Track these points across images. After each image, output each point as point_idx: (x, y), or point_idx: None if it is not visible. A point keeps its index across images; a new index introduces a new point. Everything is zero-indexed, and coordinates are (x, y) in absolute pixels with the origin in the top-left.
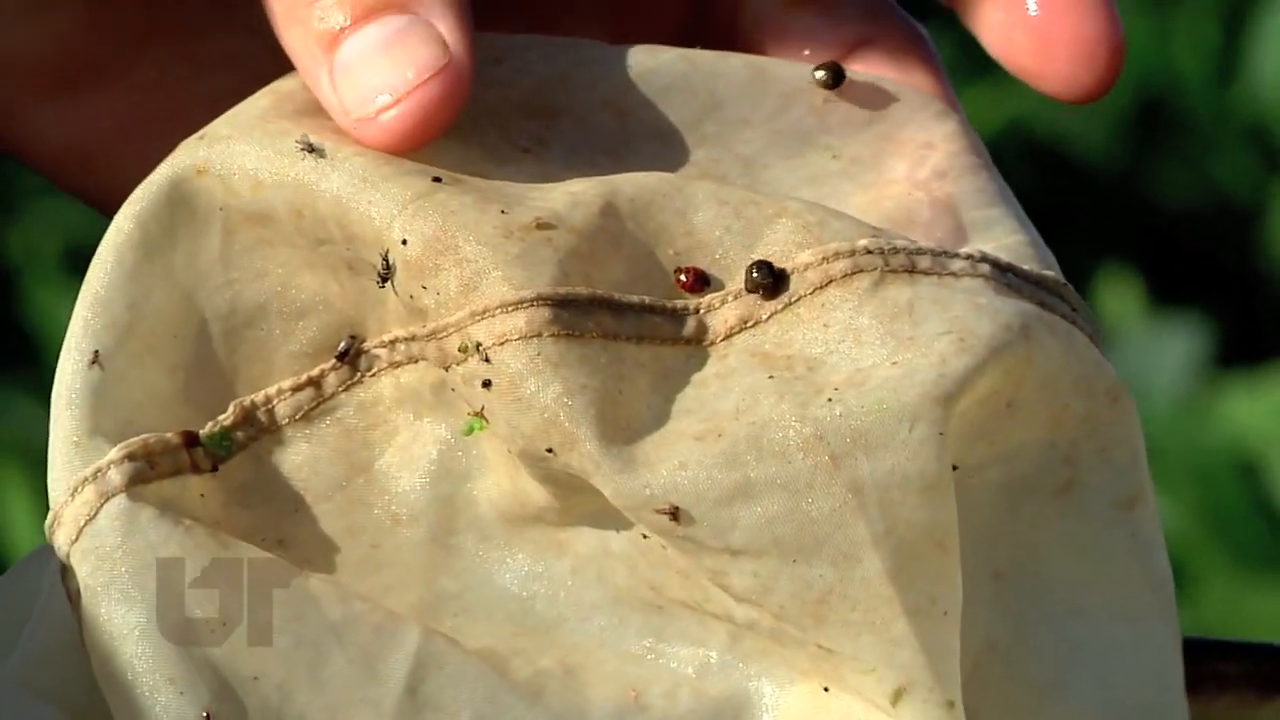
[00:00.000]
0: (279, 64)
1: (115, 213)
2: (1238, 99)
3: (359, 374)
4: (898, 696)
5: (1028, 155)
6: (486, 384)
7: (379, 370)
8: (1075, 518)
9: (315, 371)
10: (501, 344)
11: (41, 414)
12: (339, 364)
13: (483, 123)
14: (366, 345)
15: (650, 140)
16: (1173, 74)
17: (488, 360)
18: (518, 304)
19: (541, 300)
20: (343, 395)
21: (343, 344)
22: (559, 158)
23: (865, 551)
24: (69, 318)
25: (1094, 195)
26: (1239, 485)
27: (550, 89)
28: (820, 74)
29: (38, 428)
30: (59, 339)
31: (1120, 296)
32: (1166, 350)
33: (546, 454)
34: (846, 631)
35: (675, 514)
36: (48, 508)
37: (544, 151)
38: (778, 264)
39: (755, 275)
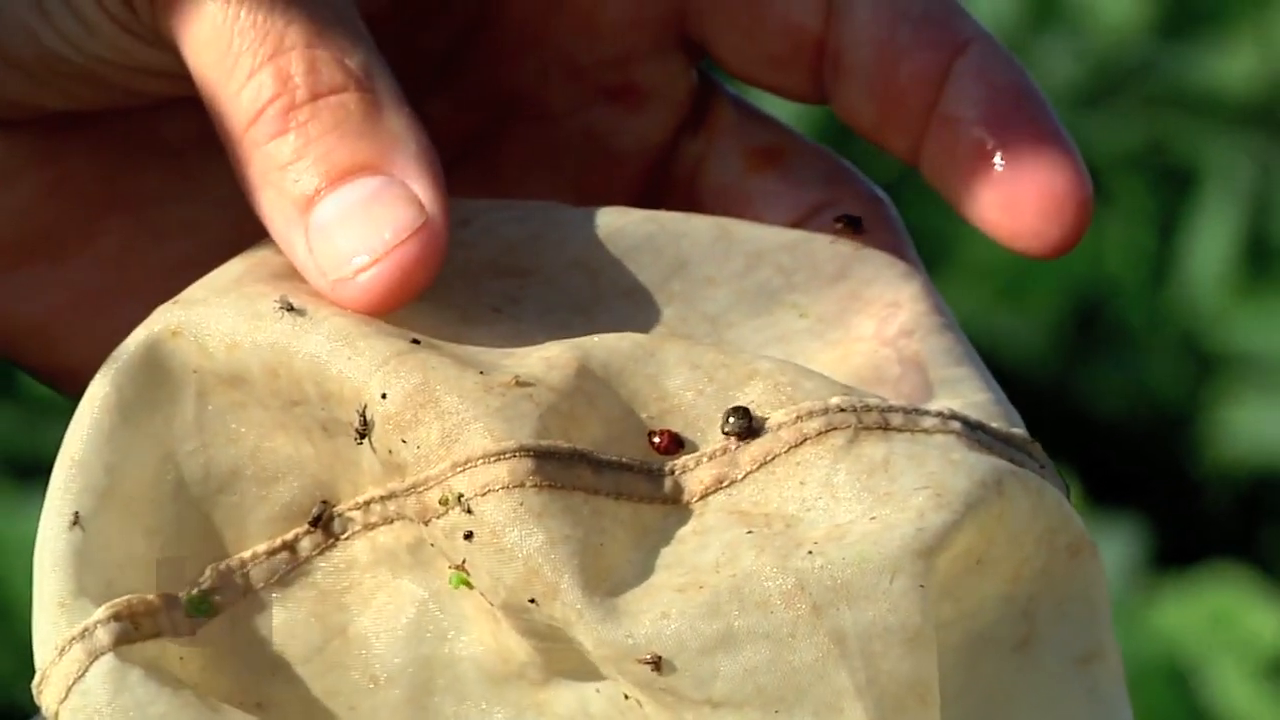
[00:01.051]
0: (239, 232)
1: (69, 390)
2: (1171, 303)
3: (333, 537)
4: None
5: None
6: (468, 536)
7: (354, 533)
8: (1033, 673)
9: (290, 535)
10: (484, 494)
11: None
12: (312, 529)
13: (454, 283)
14: (340, 508)
15: (620, 299)
16: (1107, 279)
17: (469, 511)
18: (500, 455)
19: (524, 451)
20: (318, 559)
21: (315, 510)
22: (531, 318)
23: (848, 702)
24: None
25: (1029, 399)
26: (1172, 693)
27: (520, 249)
28: (839, 225)
29: None
30: None
31: None
32: (1103, 555)
33: (529, 605)
34: None
35: (657, 664)
36: None
37: (515, 311)
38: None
39: (732, 421)
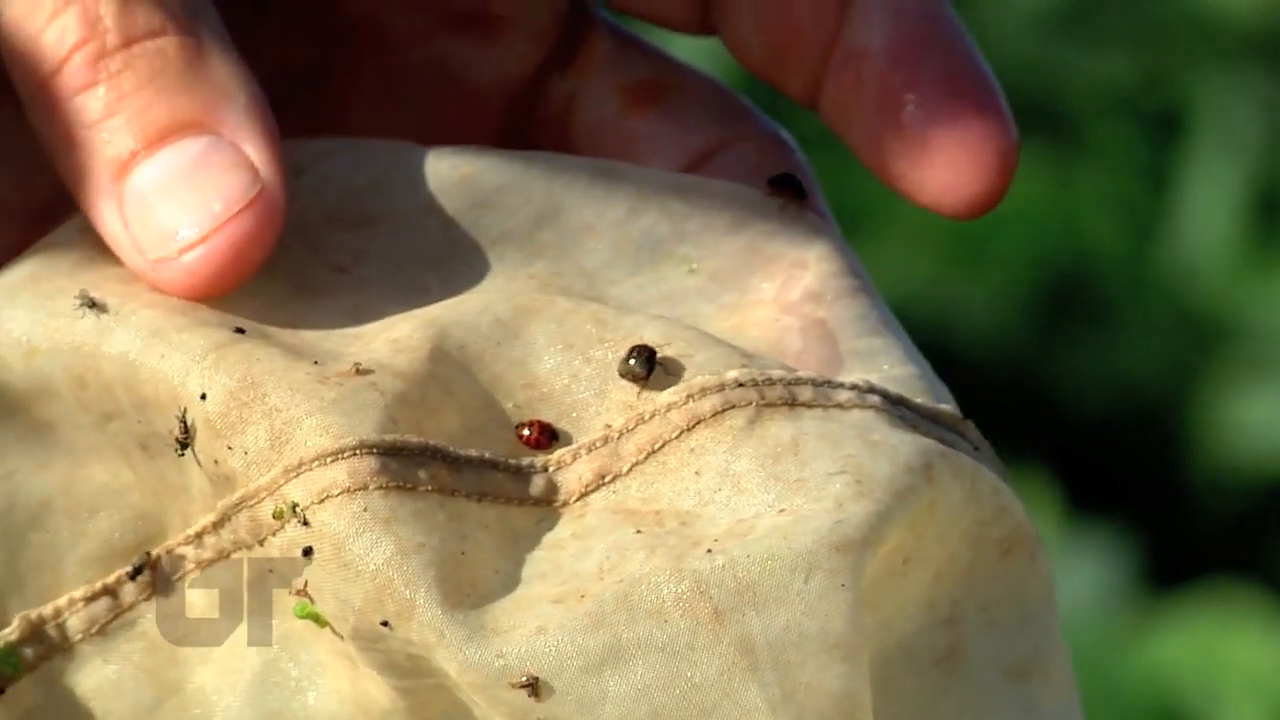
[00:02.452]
0: (27, 195)
1: None
2: (1162, 272)
3: (163, 579)
4: None
5: (915, 340)
6: (307, 552)
7: (185, 573)
8: (959, 691)
9: (111, 578)
10: (321, 501)
11: None
12: (134, 579)
13: (289, 243)
14: (170, 544)
15: (479, 252)
16: (1085, 243)
17: (306, 523)
18: (338, 454)
19: (365, 448)
20: (144, 605)
21: (136, 560)
22: (378, 278)
23: None
24: None
25: (990, 388)
26: None
27: (363, 197)
28: (771, 190)
29: None
30: None
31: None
32: (1082, 571)
33: (382, 629)
34: None
35: (534, 687)
36: None
37: (360, 269)
38: (637, 406)
39: (632, 362)
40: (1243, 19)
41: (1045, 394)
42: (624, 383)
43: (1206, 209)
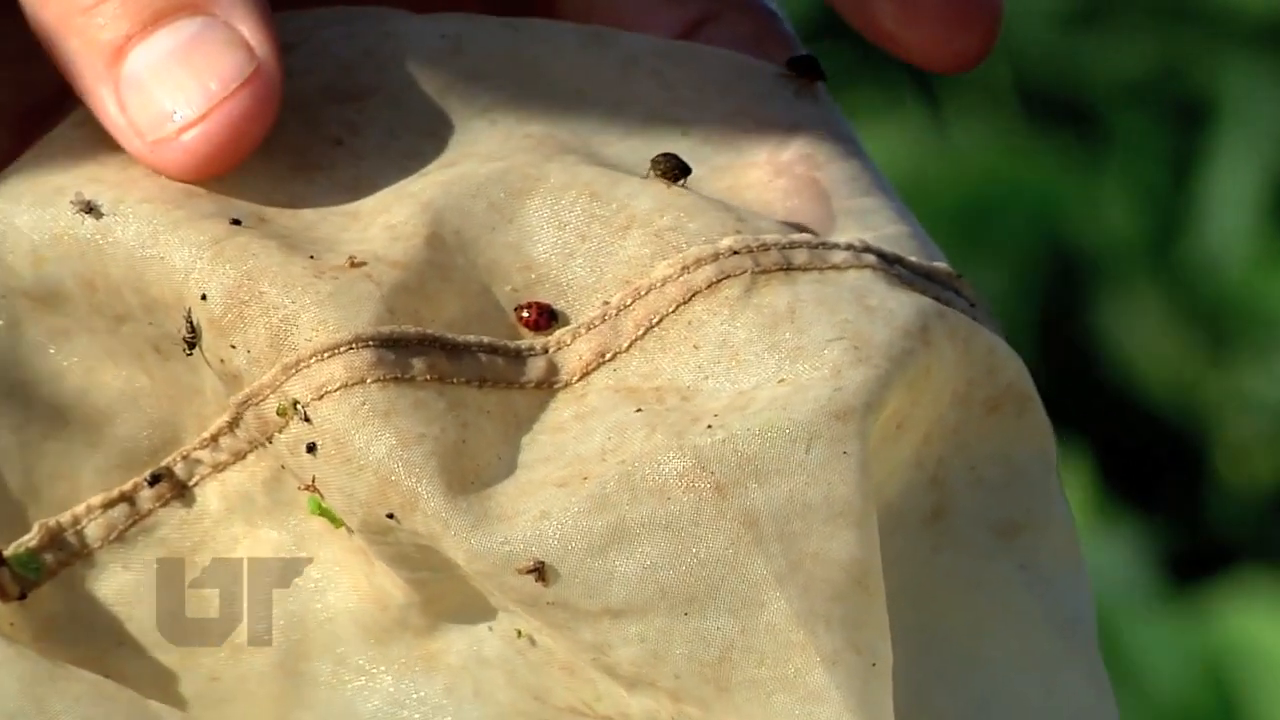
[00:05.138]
0: (25, 97)
1: None
2: (1184, 263)
3: (179, 485)
4: None
5: None
6: (311, 448)
7: (202, 478)
8: (950, 550)
9: (128, 485)
10: (320, 398)
11: None
12: (151, 485)
13: (284, 117)
14: (186, 449)
15: (474, 118)
16: (1106, 233)
17: (308, 419)
18: (333, 349)
19: (361, 342)
20: (161, 512)
21: (150, 472)
22: (374, 150)
23: (768, 593)
24: None
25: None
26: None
27: (355, 69)
28: (786, 73)
29: None
30: None
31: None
32: (1115, 557)
33: (388, 521)
34: (755, 695)
35: (540, 571)
36: None
37: (356, 140)
38: (634, 281)
39: (662, 162)
40: (1264, 8)
41: (1064, 385)
42: (620, 256)
43: (1229, 199)
